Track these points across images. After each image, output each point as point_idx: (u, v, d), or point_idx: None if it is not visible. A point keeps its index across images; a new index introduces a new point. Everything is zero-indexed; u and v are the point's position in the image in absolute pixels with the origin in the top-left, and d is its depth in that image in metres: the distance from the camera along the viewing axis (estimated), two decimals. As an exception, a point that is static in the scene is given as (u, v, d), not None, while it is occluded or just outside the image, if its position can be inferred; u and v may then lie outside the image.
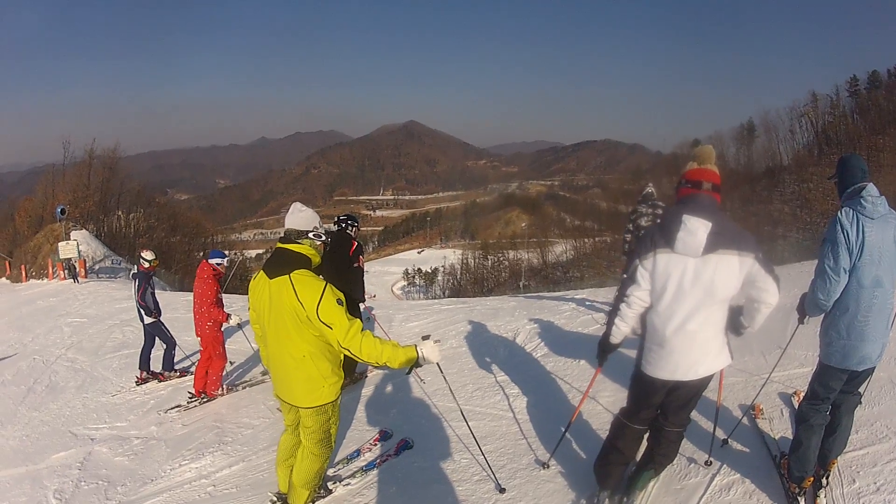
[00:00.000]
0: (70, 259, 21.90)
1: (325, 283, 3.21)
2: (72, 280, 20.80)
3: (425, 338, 3.34)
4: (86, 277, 21.67)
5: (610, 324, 3.25)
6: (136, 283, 7.58)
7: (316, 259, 3.40)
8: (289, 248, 3.35)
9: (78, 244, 22.91)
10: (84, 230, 31.08)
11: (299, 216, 3.42)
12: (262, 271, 3.42)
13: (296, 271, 3.22)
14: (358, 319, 3.20)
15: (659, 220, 7.43)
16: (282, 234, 3.44)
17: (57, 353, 9.65)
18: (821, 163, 58.99)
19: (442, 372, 4.02)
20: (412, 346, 3.24)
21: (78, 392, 7.52)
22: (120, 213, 41.83)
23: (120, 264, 26.92)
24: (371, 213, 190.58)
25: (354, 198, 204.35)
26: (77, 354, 9.49)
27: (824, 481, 3.37)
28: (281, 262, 3.30)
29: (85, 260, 23.45)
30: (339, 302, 3.16)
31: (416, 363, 3.24)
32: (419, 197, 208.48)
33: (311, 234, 3.41)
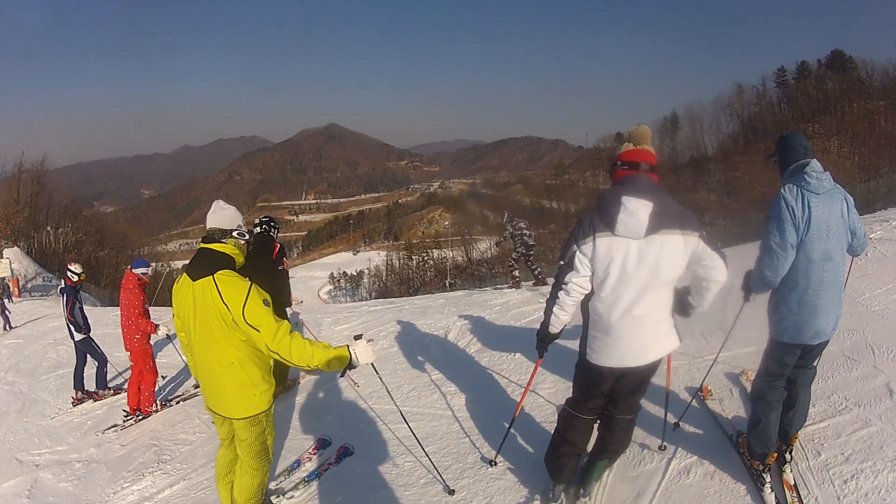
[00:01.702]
0: (4, 278, 20.93)
1: (249, 283, 3.02)
2: (6, 300, 19.88)
3: (357, 338, 3.17)
4: (19, 297, 20.73)
5: (548, 313, 3.12)
6: (65, 298, 7.30)
7: (240, 259, 3.22)
8: (212, 248, 3.15)
9: (10, 262, 21.91)
10: (15, 247, 29.81)
11: (222, 214, 3.23)
12: (184, 274, 3.19)
13: (220, 272, 3.02)
14: (286, 321, 3.01)
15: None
16: (204, 235, 3.22)
17: (-3, 377, 9.32)
18: (747, 151, 61.23)
19: (378, 373, 3.84)
20: (344, 346, 3.07)
21: (19, 416, 7.28)
22: (49, 228, 40.39)
23: (51, 281, 25.85)
24: (294, 218, 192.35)
25: (277, 203, 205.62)
26: (15, 377, 9.20)
27: (788, 456, 3.36)
28: (204, 264, 3.10)
29: (18, 278, 22.41)
30: (265, 303, 2.98)
31: (349, 364, 3.06)
32: (341, 200, 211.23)
33: (234, 234, 3.21)
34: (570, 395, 3.31)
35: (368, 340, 3.15)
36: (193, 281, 3.07)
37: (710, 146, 77.33)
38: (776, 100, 73.40)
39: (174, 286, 3.29)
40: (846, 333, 4.73)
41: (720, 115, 77.86)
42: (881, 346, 4.49)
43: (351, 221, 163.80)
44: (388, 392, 4.32)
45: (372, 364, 3.20)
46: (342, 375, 3.21)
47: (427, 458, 3.99)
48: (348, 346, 3.08)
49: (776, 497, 3.17)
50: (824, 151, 52.16)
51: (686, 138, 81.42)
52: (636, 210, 2.73)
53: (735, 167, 60.36)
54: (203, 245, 3.18)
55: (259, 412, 3.21)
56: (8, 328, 14.96)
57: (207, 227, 3.20)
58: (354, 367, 3.10)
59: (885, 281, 5.94)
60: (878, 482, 3.08)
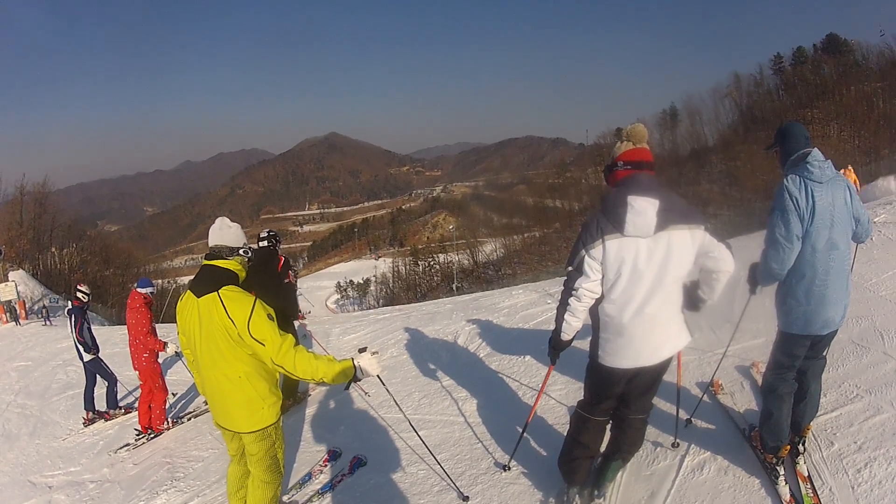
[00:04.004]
0: (10, 301, 20.97)
1: (254, 298, 3.01)
2: (14, 323, 19.92)
3: (362, 350, 3.15)
4: (26, 319, 20.76)
5: (559, 320, 3.07)
6: (73, 319, 7.31)
7: (242, 274, 3.21)
8: (216, 265, 3.14)
9: (16, 285, 21.94)
10: (21, 270, 29.88)
11: (228, 232, 3.22)
12: (188, 291, 3.18)
13: (224, 287, 3.02)
14: (290, 335, 3.00)
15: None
16: (208, 252, 3.22)
17: (7, 400, 9.35)
18: (747, 140, 60.94)
19: (384, 384, 3.81)
20: (349, 359, 3.06)
21: (31, 439, 7.32)
22: (53, 249, 40.46)
23: (57, 302, 25.84)
24: (298, 228, 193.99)
25: (281, 215, 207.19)
26: (26, 399, 9.22)
27: (801, 448, 3.34)
28: (208, 280, 3.09)
29: (24, 301, 22.46)
30: (269, 317, 2.98)
31: (354, 377, 3.05)
32: (345, 209, 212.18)
33: (241, 251, 3.20)
34: (582, 398, 3.29)
35: (373, 353, 3.13)
36: (198, 297, 3.06)
37: (711, 137, 77.09)
38: (774, 87, 73.24)
39: (178, 304, 3.27)
40: (855, 320, 4.71)
41: (719, 105, 77.67)
42: (890, 331, 4.47)
43: (355, 230, 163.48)
44: (396, 402, 4.32)
45: (378, 376, 3.19)
46: (347, 388, 3.19)
47: (440, 466, 3.98)
48: (353, 358, 3.07)
49: (790, 489, 3.15)
50: (824, 136, 51.95)
51: (686, 131, 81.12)
52: (644, 209, 2.71)
53: (736, 157, 60.24)
54: (207, 262, 3.17)
55: (268, 425, 3.19)
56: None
57: (211, 244, 3.19)
58: (360, 380, 3.09)
59: (892, 264, 5.92)
60: (892, 468, 3.07)
